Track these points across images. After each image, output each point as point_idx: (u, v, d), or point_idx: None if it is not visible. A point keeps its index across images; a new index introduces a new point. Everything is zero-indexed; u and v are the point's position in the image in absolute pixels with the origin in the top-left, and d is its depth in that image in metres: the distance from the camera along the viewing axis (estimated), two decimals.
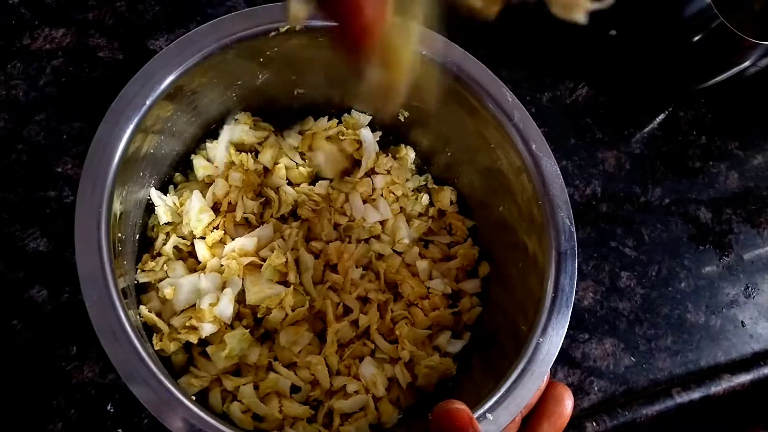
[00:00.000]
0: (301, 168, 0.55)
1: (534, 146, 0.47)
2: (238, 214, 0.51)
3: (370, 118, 0.58)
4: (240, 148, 0.54)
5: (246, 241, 0.49)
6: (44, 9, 0.57)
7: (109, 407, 0.47)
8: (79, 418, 0.47)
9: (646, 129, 0.70)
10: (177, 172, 0.53)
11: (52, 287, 0.49)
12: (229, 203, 0.51)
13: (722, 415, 0.60)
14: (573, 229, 0.46)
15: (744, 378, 0.61)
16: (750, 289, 0.66)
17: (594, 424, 0.55)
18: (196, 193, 0.50)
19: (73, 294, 0.49)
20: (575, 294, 0.60)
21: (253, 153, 0.54)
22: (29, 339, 0.48)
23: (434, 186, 0.59)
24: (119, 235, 0.43)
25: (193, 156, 0.53)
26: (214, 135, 0.54)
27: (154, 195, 0.49)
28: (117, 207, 0.41)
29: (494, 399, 0.39)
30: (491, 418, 0.39)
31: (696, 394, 0.59)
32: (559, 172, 0.47)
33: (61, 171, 0.53)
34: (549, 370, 0.42)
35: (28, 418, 0.46)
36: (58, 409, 0.47)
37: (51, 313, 0.49)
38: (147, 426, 0.47)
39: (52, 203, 0.52)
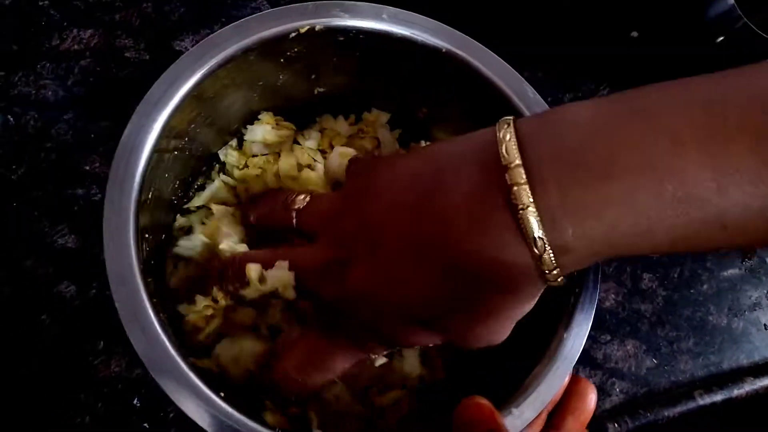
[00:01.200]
0: (319, 167, 0.55)
1: None
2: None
3: (389, 115, 0.58)
4: (266, 144, 0.54)
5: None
6: (73, 10, 0.58)
7: (135, 401, 0.48)
8: (106, 412, 0.48)
9: None
10: (200, 174, 0.54)
11: (80, 283, 0.50)
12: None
13: (749, 416, 0.60)
14: None
15: (767, 381, 0.60)
16: None
17: (616, 425, 0.55)
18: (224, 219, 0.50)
19: (101, 290, 0.50)
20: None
21: (276, 154, 0.55)
22: (58, 334, 0.49)
23: None
24: (146, 235, 0.44)
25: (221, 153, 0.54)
26: (237, 134, 0.55)
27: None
28: (143, 208, 0.42)
29: (519, 394, 0.40)
30: (516, 413, 0.39)
31: (718, 397, 0.58)
32: None
33: (89, 169, 0.54)
34: (573, 366, 0.42)
35: (57, 411, 0.47)
36: (85, 403, 0.47)
37: (79, 309, 0.50)
38: (172, 420, 0.48)
39: (80, 201, 0.53)
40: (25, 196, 0.52)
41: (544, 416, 0.42)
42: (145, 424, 0.48)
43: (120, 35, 0.59)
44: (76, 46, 0.57)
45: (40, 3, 0.58)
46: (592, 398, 0.42)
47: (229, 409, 0.37)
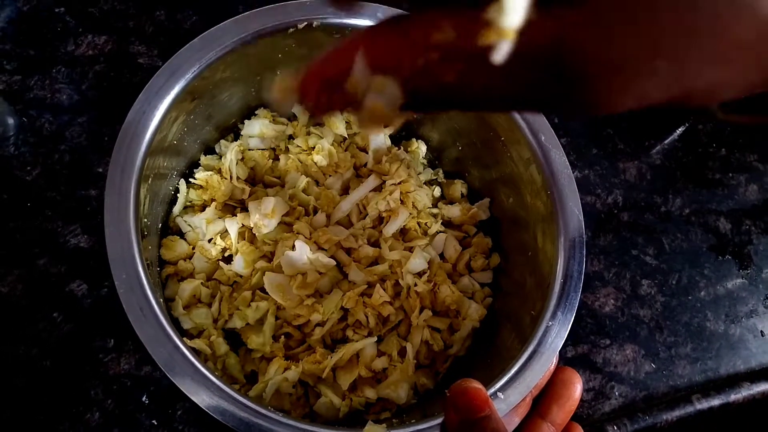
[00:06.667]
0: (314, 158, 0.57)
1: (543, 138, 0.49)
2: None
3: None
4: (262, 138, 0.56)
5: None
6: (88, 17, 0.60)
7: (144, 398, 0.49)
8: (116, 408, 0.48)
9: (667, 141, 0.71)
10: (199, 166, 0.55)
11: (92, 282, 0.51)
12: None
13: (746, 421, 0.61)
14: (581, 217, 0.47)
15: (764, 387, 0.61)
16: None
17: (615, 428, 0.56)
18: (229, 224, 0.52)
19: (111, 289, 0.51)
20: (597, 300, 0.61)
21: (271, 150, 0.57)
22: (69, 331, 0.50)
23: (444, 180, 0.61)
24: (145, 221, 0.45)
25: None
26: (234, 130, 0.57)
27: (180, 185, 0.52)
28: (143, 194, 0.44)
29: (505, 379, 0.41)
30: (502, 397, 0.40)
31: (716, 401, 0.59)
32: (567, 163, 0.49)
33: (102, 171, 0.55)
34: (558, 354, 0.43)
35: (68, 407, 0.48)
36: (95, 399, 0.48)
37: (90, 307, 0.51)
38: (180, 417, 0.49)
39: (92, 201, 0.54)
40: (39, 197, 0.53)
41: (528, 401, 0.42)
42: (154, 421, 0.49)
43: (134, 42, 0.60)
44: (90, 52, 0.59)
45: (57, 9, 0.59)
46: (578, 387, 0.43)
47: (224, 387, 0.38)
